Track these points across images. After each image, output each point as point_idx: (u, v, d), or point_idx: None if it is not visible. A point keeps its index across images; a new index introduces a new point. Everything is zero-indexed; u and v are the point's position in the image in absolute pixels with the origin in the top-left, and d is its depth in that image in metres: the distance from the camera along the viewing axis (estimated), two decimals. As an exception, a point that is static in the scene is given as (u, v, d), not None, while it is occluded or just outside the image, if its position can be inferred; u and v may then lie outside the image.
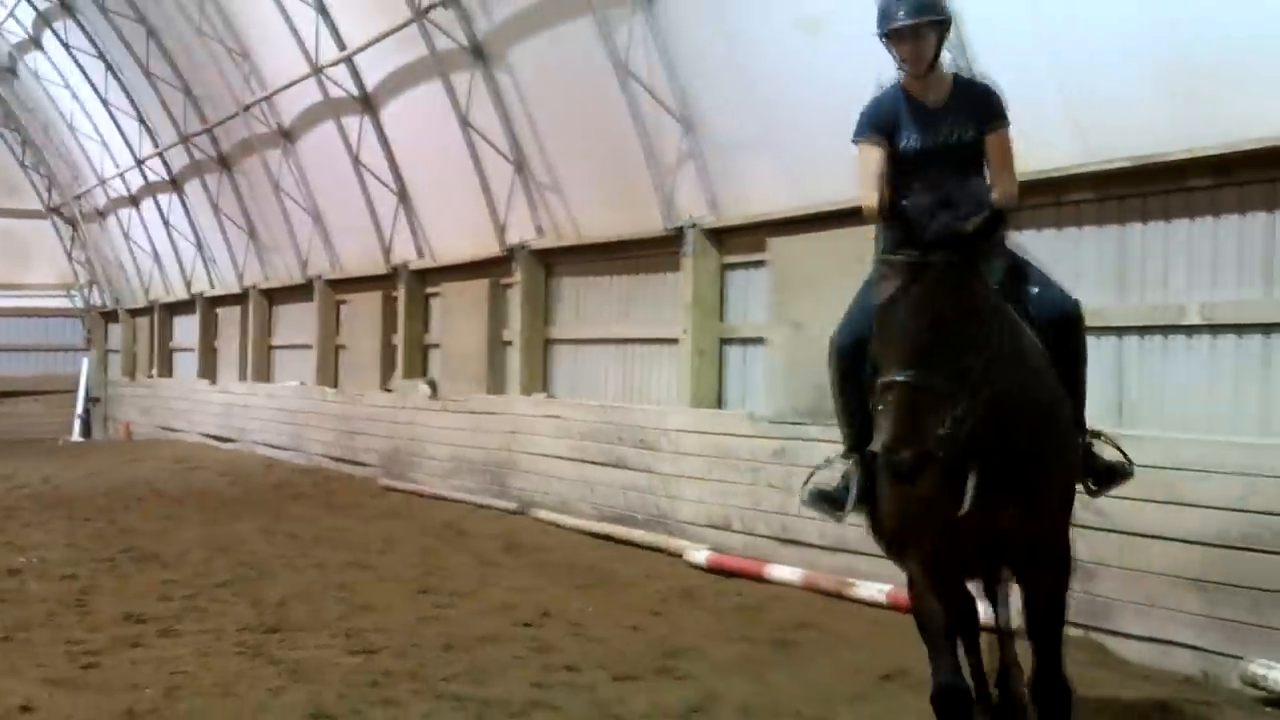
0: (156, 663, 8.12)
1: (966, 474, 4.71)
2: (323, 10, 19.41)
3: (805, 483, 5.71)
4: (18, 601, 10.33)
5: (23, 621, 9.48)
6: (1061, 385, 5.27)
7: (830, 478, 5.63)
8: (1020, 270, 5.51)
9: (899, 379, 4.33)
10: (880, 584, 9.49)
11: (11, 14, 28.85)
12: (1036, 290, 5.48)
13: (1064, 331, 5.45)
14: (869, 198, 5.25)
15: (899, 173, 5.41)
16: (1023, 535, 5.04)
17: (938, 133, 5.52)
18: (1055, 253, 9.04)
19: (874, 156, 5.50)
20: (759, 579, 10.87)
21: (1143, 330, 9.26)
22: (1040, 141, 8.55)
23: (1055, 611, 5.31)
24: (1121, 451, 5.77)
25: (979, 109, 5.56)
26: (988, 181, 5.49)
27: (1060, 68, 9.35)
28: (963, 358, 4.42)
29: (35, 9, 27.91)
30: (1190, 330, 8.99)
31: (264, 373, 26.86)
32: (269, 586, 10.90)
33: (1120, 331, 9.31)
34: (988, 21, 9.49)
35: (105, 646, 8.62)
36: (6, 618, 9.63)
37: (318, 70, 20.00)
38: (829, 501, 5.55)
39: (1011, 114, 5.60)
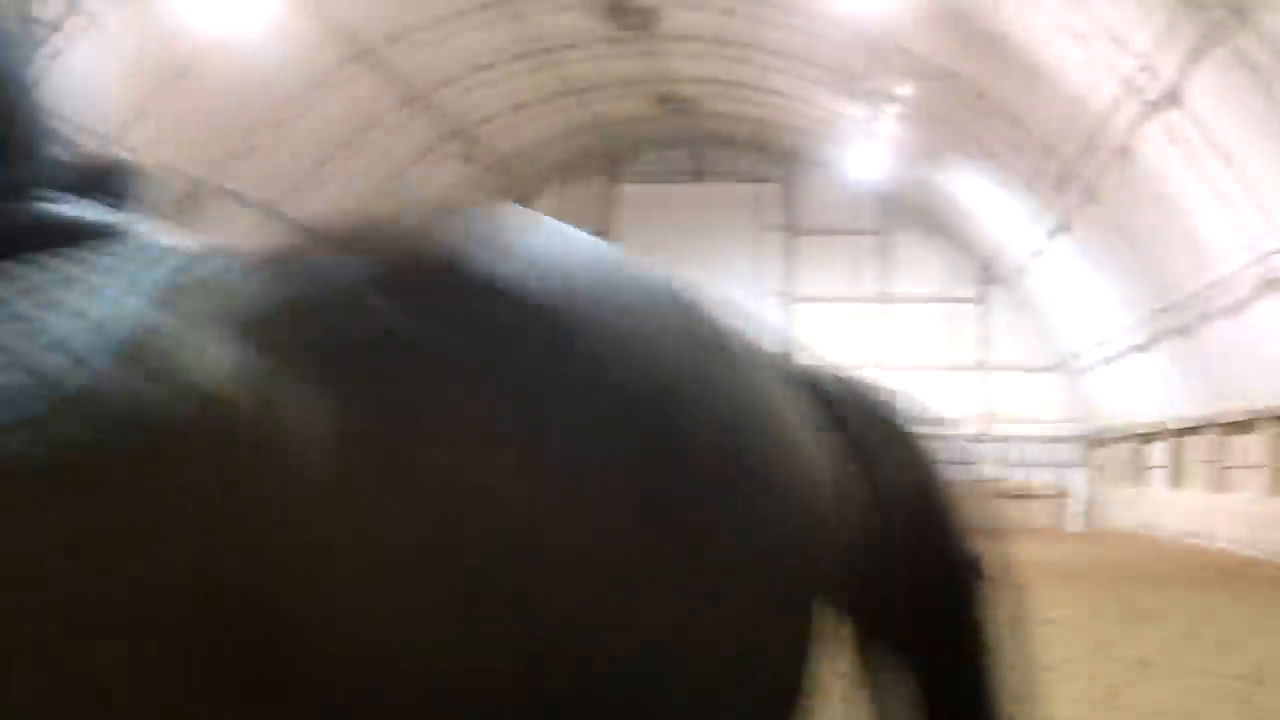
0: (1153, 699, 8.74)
1: None
2: None
3: None
4: (1051, 643, 11.00)
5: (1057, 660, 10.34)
6: None
7: None
8: None
9: None
10: None
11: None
12: None
13: None
14: None
15: None
16: None
17: None
18: None
19: None
20: None
21: None
22: None
23: None
24: None
25: None
26: None
27: None
28: None
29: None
30: None
31: (1227, 485, 26.65)
32: (1240, 648, 11.24)
33: None
34: None
35: (1122, 682, 9.53)
36: (1045, 655, 11.13)
37: None
38: None
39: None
